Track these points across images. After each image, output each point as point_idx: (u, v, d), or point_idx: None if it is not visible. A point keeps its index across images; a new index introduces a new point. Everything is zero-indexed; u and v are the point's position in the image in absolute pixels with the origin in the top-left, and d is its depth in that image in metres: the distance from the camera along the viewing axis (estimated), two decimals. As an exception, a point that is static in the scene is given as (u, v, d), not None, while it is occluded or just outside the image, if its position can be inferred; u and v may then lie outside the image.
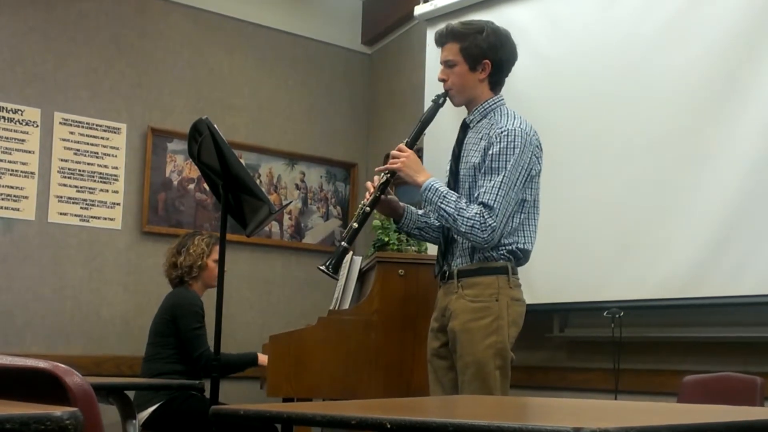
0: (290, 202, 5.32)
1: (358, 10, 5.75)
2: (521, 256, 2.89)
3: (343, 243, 2.84)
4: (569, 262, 3.94)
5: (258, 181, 5.03)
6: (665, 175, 3.64)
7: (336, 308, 3.73)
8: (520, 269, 4.13)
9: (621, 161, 3.81)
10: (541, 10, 4.26)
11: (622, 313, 3.62)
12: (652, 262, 3.63)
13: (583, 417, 1.36)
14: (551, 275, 4.02)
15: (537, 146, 2.88)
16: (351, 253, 4.15)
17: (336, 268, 2.84)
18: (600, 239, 3.84)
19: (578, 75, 4.03)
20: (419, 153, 4.42)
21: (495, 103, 2.96)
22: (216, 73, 5.13)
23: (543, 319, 4.22)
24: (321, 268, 2.83)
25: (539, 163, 2.89)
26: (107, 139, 4.72)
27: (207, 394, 3.32)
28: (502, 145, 2.78)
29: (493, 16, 4.42)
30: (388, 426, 1.14)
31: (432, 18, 4.74)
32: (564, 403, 1.74)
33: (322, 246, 5.34)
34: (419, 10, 4.79)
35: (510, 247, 2.84)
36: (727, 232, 3.40)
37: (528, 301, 4.07)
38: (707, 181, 3.49)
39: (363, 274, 3.85)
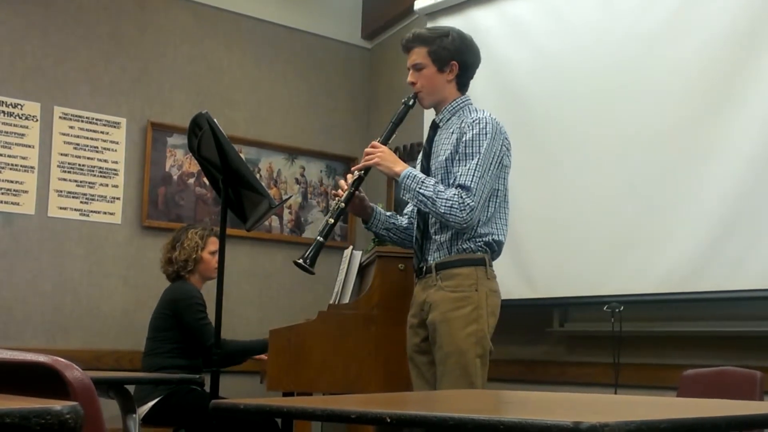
0: (290, 197, 5.32)
1: (358, 5, 5.74)
2: (496, 249, 2.97)
3: (319, 238, 2.91)
4: (569, 257, 3.95)
5: (258, 176, 5.03)
6: (665, 169, 3.64)
7: (336, 302, 3.74)
8: (519, 263, 4.14)
9: (621, 156, 3.81)
10: (542, 5, 4.25)
11: (622, 308, 3.63)
12: (652, 257, 3.63)
13: (582, 411, 1.36)
14: (551, 270, 4.02)
15: (506, 138, 2.97)
16: (351, 247, 4.16)
17: (312, 262, 2.88)
18: (600, 234, 3.84)
19: (578, 70, 4.02)
20: (418, 147, 4.42)
21: (463, 102, 3.06)
22: (215, 67, 5.12)
23: (543, 314, 4.22)
24: (298, 261, 2.88)
25: (509, 157, 2.98)
26: (107, 133, 4.72)
27: (207, 388, 3.32)
28: (474, 132, 2.88)
29: (493, 11, 4.43)
30: (389, 420, 1.14)
31: (432, 12, 4.73)
32: (563, 397, 1.74)
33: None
34: (419, 4, 4.78)
35: (486, 239, 2.91)
36: (727, 226, 3.40)
37: (528, 296, 4.11)
38: (707, 176, 3.49)
39: (363, 269, 3.85)
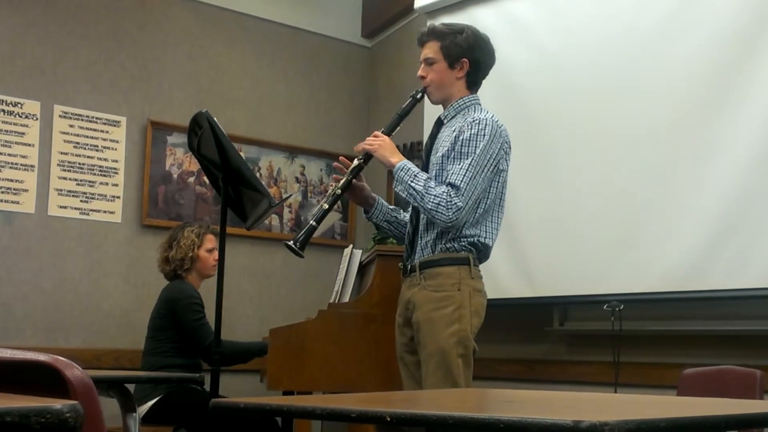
0: (290, 196, 5.32)
1: (358, 3, 5.74)
2: (482, 250, 2.93)
3: (312, 222, 2.90)
4: (569, 255, 3.95)
5: (258, 175, 5.03)
6: (665, 167, 3.64)
7: (336, 301, 3.74)
8: (519, 261, 4.13)
9: (621, 154, 3.81)
10: (542, 3, 4.25)
11: (621, 307, 3.63)
12: (652, 255, 3.63)
13: (582, 410, 1.36)
14: (551, 268, 4.02)
15: (506, 142, 2.94)
16: (351, 246, 4.15)
17: (303, 245, 2.87)
18: (600, 232, 3.84)
19: (578, 67, 4.03)
20: (419, 146, 4.42)
21: (470, 101, 3.03)
22: (216, 66, 5.12)
23: (543, 313, 4.22)
24: (288, 244, 2.88)
25: (506, 161, 2.95)
26: (107, 132, 4.72)
27: (207, 387, 3.32)
28: (472, 132, 2.86)
29: (493, 9, 4.43)
30: (389, 419, 1.14)
31: (432, 11, 4.73)
32: (564, 396, 1.74)
33: (322, 239, 5.34)
34: (419, 2, 4.78)
35: (472, 239, 2.89)
36: (727, 225, 3.41)
37: (528, 295, 4.11)
38: (707, 174, 3.49)
39: (363, 268, 3.85)
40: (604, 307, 3.67)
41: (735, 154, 3.41)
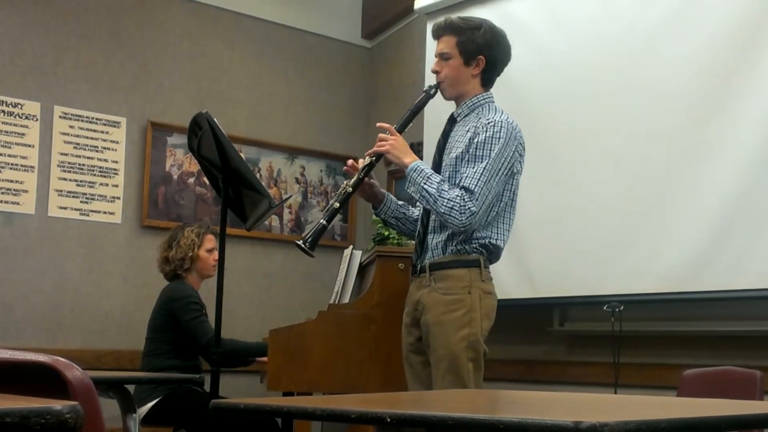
0: (290, 197, 5.32)
1: (358, 4, 5.74)
2: (493, 252, 2.90)
3: (321, 221, 2.86)
4: (569, 256, 3.95)
5: (258, 175, 5.03)
6: (665, 168, 3.64)
7: (336, 302, 3.73)
8: (520, 262, 4.13)
9: (621, 154, 3.81)
10: (541, 4, 4.25)
11: (621, 307, 3.63)
12: (652, 256, 3.63)
13: (582, 411, 1.36)
14: (551, 269, 4.02)
15: (521, 143, 2.89)
16: (351, 247, 4.15)
17: (313, 245, 2.83)
18: (600, 233, 3.84)
19: (578, 68, 4.03)
20: (419, 147, 4.42)
21: (484, 98, 2.98)
22: (216, 66, 5.12)
23: (543, 313, 4.22)
24: (298, 243, 2.84)
25: (521, 163, 2.91)
26: (107, 132, 4.72)
27: (207, 388, 3.32)
28: (487, 135, 2.81)
29: (493, 9, 4.42)
30: (389, 420, 1.14)
31: (432, 12, 4.73)
32: (564, 397, 1.74)
33: (322, 239, 5.32)
34: (419, 3, 4.78)
35: (483, 241, 2.85)
36: (727, 225, 3.41)
37: (528, 295, 4.11)
38: (707, 175, 3.49)
39: (363, 268, 3.85)
40: (604, 307, 3.67)
41: (735, 154, 3.41)
